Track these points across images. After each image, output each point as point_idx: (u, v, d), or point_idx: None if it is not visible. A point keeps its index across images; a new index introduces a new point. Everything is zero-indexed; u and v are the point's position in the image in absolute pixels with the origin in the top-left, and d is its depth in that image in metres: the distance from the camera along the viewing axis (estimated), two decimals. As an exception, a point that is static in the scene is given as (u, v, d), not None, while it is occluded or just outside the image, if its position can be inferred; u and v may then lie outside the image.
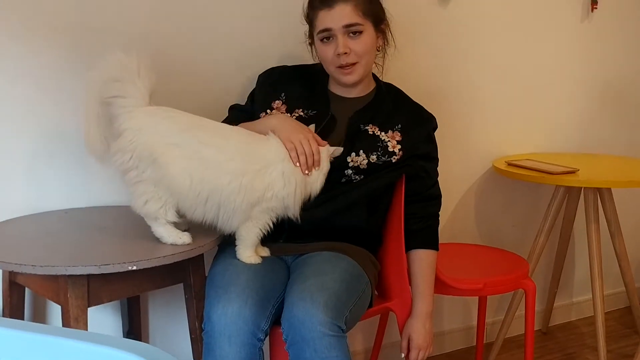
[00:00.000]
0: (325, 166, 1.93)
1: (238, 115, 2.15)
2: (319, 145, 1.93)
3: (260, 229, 1.90)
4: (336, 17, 2.00)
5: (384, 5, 2.12)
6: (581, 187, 2.88)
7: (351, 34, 2.02)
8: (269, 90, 2.15)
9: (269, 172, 1.85)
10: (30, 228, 2.01)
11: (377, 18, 2.07)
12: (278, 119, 1.98)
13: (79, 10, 2.12)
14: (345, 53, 2.02)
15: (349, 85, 2.11)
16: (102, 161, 1.86)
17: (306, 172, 1.88)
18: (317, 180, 1.92)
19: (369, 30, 2.04)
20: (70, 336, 0.83)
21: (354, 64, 2.04)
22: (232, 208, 1.83)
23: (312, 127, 2.00)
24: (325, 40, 2.05)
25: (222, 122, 2.03)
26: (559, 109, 3.17)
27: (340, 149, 1.96)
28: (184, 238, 1.85)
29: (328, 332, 1.73)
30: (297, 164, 1.87)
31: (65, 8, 2.10)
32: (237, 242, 1.93)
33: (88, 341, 0.79)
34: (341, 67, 2.05)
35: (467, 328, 3.06)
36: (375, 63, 2.17)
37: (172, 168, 1.78)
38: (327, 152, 1.94)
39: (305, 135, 1.91)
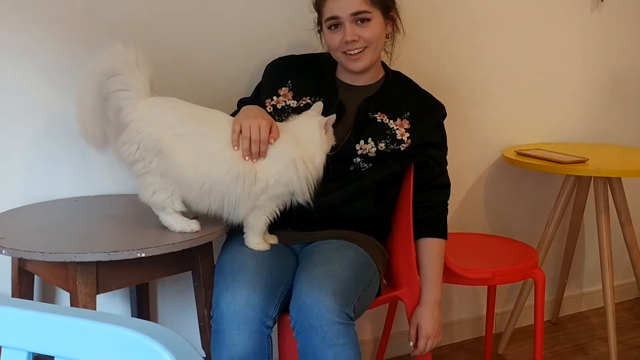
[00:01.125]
0: (324, 142, 1.89)
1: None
2: (275, 137, 1.86)
3: (268, 217, 1.90)
4: (343, 5, 1.99)
5: None
6: (591, 177, 2.86)
7: (359, 22, 2.01)
8: (275, 78, 2.15)
9: (268, 159, 1.84)
10: (39, 216, 2.01)
11: (386, 5, 2.05)
12: (247, 107, 1.97)
13: (86, 1, 2.12)
14: (354, 40, 2.01)
15: (357, 72, 2.10)
16: (100, 150, 1.88)
17: (246, 157, 1.82)
18: (315, 155, 1.87)
19: (377, 17, 2.02)
20: (80, 315, 0.83)
21: (362, 50, 2.04)
22: (235, 198, 1.83)
23: (319, 104, 1.98)
24: (333, 27, 2.04)
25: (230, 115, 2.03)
26: (568, 99, 3.15)
27: (334, 116, 1.90)
28: (193, 225, 1.85)
29: (336, 319, 1.73)
30: (236, 148, 1.82)
31: (73, 1, 2.11)
32: (245, 230, 1.93)
33: (97, 320, 0.80)
34: (349, 54, 2.04)
35: (476, 318, 3.05)
36: (385, 50, 2.16)
37: (177, 159, 1.79)
38: (320, 123, 1.89)
39: (258, 122, 1.84)
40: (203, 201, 1.85)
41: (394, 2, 2.11)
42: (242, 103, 2.17)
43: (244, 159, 1.81)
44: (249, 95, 2.22)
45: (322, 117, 1.91)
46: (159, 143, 1.79)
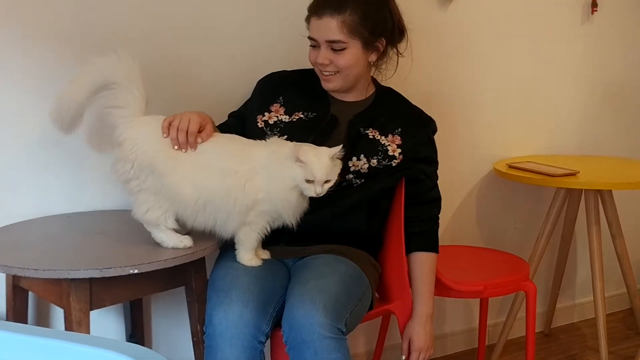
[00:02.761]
0: (328, 176, 1.83)
1: (233, 121, 2.18)
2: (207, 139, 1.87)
3: (258, 233, 1.91)
4: (321, 29, 2.00)
5: (403, 17, 2.10)
6: (582, 189, 2.88)
7: (334, 48, 2.01)
8: (267, 94, 2.16)
9: (259, 173, 1.84)
10: (33, 232, 2.02)
11: (369, 36, 2.01)
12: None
13: (79, 15, 2.13)
14: (325, 64, 2.03)
15: (332, 91, 2.12)
16: (64, 136, 1.95)
17: (175, 147, 1.83)
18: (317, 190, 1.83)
19: (353, 48, 2.01)
20: (63, 338, 0.84)
21: (333, 74, 2.05)
22: (227, 211, 1.85)
23: (338, 148, 1.86)
24: (312, 45, 2.06)
25: (217, 126, 2.05)
26: (559, 111, 3.17)
27: (339, 147, 1.85)
28: (185, 241, 1.86)
29: (328, 334, 1.74)
30: (165, 135, 1.83)
31: (65, 13, 2.11)
32: (236, 246, 1.94)
33: (81, 343, 0.81)
34: (322, 72, 2.06)
35: (468, 330, 3.06)
36: (378, 70, 2.17)
37: (172, 176, 1.82)
38: (328, 154, 1.82)
39: (189, 115, 1.85)
40: (198, 217, 1.86)
41: (388, 30, 2.07)
42: (231, 117, 2.20)
43: (173, 148, 1.83)
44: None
45: (330, 150, 1.84)
46: (153, 161, 1.82)
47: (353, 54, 2.02)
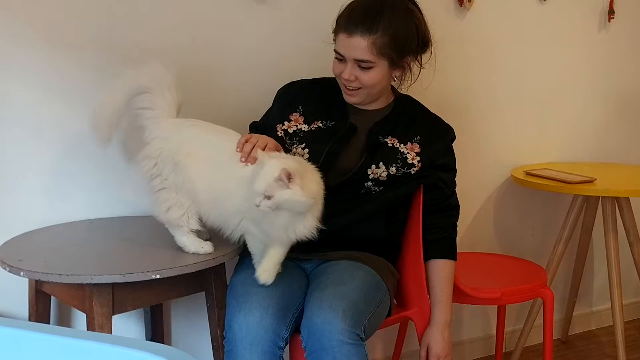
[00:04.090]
0: (268, 191, 1.72)
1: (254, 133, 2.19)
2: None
3: (260, 242, 1.88)
4: (350, 48, 1.99)
5: (430, 31, 2.09)
6: (599, 197, 2.88)
7: (360, 67, 2.01)
8: (286, 104, 2.17)
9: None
10: (56, 238, 2.05)
11: (397, 57, 2.02)
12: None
13: (102, 25, 2.17)
14: (350, 80, 2.03)
15: (354, 104, 2.13)
16: (105, 146, 2.00)
17: (242, 159, 1.83)
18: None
19: (380, 66, 2.01)
20: (96, 339, 0.87)
21: (357, 89, 2.06)
22: (226, 213, 1.87)
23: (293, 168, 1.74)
24: (338, 58, 2.07)
25: None
26: (576, 119, 3.17)
27: (293, 168, 1.74)
28: (206, 247, 1.89)
29: (347, 340, 1.76)
30: (239, 149, 1.84)
31: (88, 24, 2.15)
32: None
33: (113, 344, 0.83)
34: (345, 85, 2.07)
35: (486, 337, 3.06)
36: (399, 80, 2.18)
37: (191, 170, 1.86)
38: (280, 170, 1.70)
39: (268, 140, 1.92)
40: (210, 216, 1.89)
41: (412, 52, 2.07)
42: (252, 127, 2.22)
43: (240, 160, 1.84)
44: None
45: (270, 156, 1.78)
46: (176, 156, 1.87)
47: (378, 73, 2.02)
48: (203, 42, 2.32)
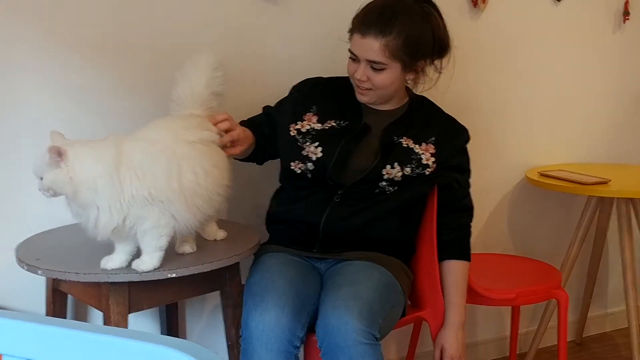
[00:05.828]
0: (38, 173, 1.64)
1: (264, 119, 2.21)
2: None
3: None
4: (363, 48, 2.00)
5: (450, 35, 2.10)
6: (613, 198, 2.88)
7: (373, 67, 2.02)
8: (300, 104, 2.17)
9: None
10: (73, 237, 2.06)
11: (410, 61, 2.03)
12: None
13: (117, 28, 2.19)
14: (362, 80, 2.04)
15: (366, 103, 2.14)
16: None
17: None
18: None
19: (394, 68, 2.02)
20: (119, 334, 0.88)
21: (369, 89, 2.06)
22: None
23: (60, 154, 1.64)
24: (352, 58, 2.07)
25: (248, 119, 2.17)
26: (591, 120, 3.17)
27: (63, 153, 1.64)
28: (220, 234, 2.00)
29: (362, 339, 1.77)
30: (214, 123, 1.92)
31: (104, 25, 2.17)
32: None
33: (136, 339, 0.84)
34: (358, 85, 2.08)
35: (500, 338, 3.06)
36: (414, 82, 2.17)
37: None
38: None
39: (247, 134, 2.04)
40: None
41: (426, 56, 2.07)
42: (264, 111, 2.24)
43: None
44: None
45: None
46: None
47: (391, 75, 2.03)
48: (217, 44, 2.32)
